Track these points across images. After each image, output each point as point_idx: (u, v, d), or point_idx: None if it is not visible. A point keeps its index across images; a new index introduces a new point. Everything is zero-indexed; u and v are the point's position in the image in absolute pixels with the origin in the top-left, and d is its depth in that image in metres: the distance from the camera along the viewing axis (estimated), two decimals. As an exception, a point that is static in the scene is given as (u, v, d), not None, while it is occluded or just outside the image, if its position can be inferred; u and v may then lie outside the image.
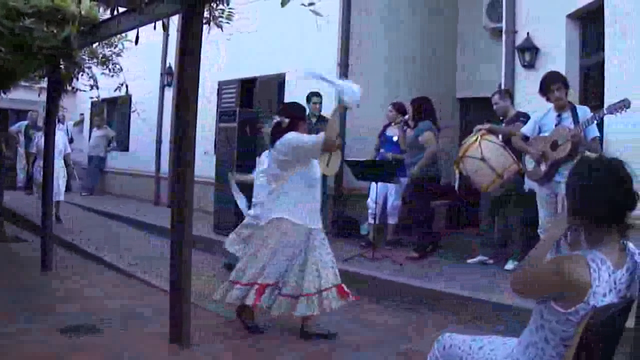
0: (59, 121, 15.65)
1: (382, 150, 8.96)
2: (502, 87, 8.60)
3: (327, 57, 10.23)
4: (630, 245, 2.56)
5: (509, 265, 7.16)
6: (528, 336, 2.63)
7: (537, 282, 2.54)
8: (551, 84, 6.30)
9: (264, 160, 6.51)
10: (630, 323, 2.55)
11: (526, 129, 6.70)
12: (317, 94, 9.18)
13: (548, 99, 6.41)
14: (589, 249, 2.49)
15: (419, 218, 8.33)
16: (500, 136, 7.32)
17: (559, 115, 6.34)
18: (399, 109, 8.93)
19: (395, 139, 8.78)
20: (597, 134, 6.04)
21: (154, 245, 9.52)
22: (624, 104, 5.45)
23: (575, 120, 6.12)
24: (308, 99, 9.16)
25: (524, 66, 8.38)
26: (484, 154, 6.90)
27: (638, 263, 2.52)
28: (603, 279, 2.37)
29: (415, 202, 8.31)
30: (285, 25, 10.13)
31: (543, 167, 6.29)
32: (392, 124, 8.92)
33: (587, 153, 5.75)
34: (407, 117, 8.61)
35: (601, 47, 6.94)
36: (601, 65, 6.89)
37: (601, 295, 2.36)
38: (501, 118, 7.61)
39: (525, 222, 7.21)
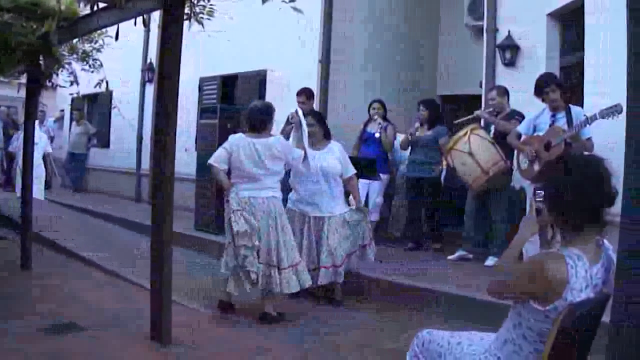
0: (40, 122, 15.67)
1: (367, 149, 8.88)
2: (483, 84, 8.65)
3: (308, 54, 10.22)
4: (605, 241, 2.59)
5: (489, 262, 7.18)
6: (505, 333, 2.65)
7: (515, 283, 2.55)
8: (545, 86, 6.39)
9: None
10: (606, 318, 2.58)
11: (521, 128, 6.77)
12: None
13: (543, 100, 6.48)
14: (565, 246, 2.51)
15: (428, 214, 8.63)
16: (492, 131, 7.37)
17: (553, 116, 6.42)
18: (383, 106, 8.94)
19: (377, 135, 8.75)
20: (590, 135, 6.10)
21: (135, 242, 9.48)
22: (616, 110, 5.49)
23: (570, 121, 6.19)
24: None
25: (504, 64, 8.44)
26: (472, 149, 6.97)
27: (612, 258, 2.55)
28: (580, 275, 2.40)
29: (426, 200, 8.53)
30: (267, 22, 10.10)
31: (536, 167, 6.34)
32: (372, 120, 8.87)
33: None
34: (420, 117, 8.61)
35: (581, 46, 6.99)
36: (581, 64, 6.95)
37: (578, 291, 2.39)
38: (496, 114, 7.62)
39: (509, 219, 7.25)
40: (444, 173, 8.20)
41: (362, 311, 6.24)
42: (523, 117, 7.19)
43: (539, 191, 2.76)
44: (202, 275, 7.51)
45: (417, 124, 8.45)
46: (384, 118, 8.82)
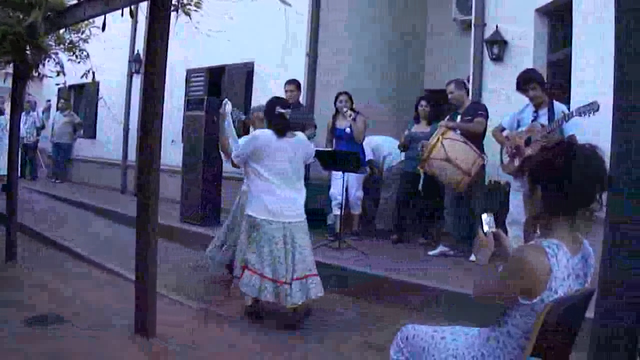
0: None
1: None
2: (471, 79, 8.67)
3: (296, 46, 10.20)
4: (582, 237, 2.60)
5: (474, 257, 7.17)
6: (488, 329, 2.66)
7: (502, 285, 2.54)
8: (525, 84, 6.41)
9: None
10: (590, 314, 2.59)
11: (505, 123, 6.80)
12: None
13: (526, 96, 6.51)
14: (543, 237, 2.51)
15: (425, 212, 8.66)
16: (458, 130, 7.38)
17: (535, 111, 6.43)
18: (351, 98, 8.88)
19: (348, 131, 8.69)
20: (574, 131, 6.07)
21: (121, 234, 9.44)
22: (593, 107, 5.50)
23: (552, 118, 6.20)
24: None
25: (492, 59, 8.45)
26: (448, 154, 6.97)
27: (590, 251, 2.58)
28: (562, 264, 2.41)
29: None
30: (255, 14, 10.08)
31: (516, 162, 6.36)
32: (340, 113, 8.79)
33: None
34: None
35: (569, 42, 7.01)
36: (568, 60, 6.97)
37: (561, 279, 2.41)
38: (456, 108, 7.68)
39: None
40: (421, 182, 8.25)
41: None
42: (486, 111, 7.32)
43: (486, 217, 2.78)
44: (190, 269, 7.50)
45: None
46: (352, 109, 8.72)
